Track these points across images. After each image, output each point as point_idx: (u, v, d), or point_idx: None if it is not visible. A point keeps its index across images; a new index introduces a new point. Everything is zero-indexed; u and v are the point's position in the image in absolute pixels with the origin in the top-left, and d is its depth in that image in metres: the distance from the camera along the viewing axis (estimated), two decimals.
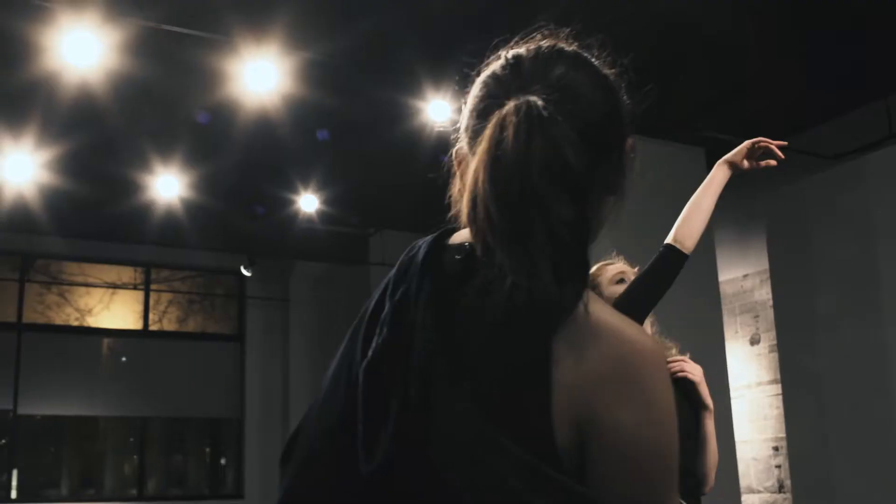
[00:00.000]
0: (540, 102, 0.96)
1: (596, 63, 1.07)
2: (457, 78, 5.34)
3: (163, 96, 5.75)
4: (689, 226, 2.51)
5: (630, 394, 0.94)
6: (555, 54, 1.05)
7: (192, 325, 9.64)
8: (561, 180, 0.94)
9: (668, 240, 2.51)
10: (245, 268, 8.46)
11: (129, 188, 6.76)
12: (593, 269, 2.87)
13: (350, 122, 6.23)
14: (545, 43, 1.07)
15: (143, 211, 7.09)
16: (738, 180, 2.66)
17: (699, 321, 5.82)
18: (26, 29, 4.85)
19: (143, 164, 6.47)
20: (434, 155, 6.21)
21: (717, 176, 2.56)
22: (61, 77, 5.27)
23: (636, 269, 2.80)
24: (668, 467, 0.96)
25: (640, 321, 2.52)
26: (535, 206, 0.93)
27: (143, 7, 4.88)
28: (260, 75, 5.21)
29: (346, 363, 1.08)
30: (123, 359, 9.41)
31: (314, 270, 9.60)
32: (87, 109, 5.62)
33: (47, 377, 8.65)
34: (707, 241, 5.30)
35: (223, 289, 9.82)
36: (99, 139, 6.11)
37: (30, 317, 8.81)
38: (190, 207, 7.14)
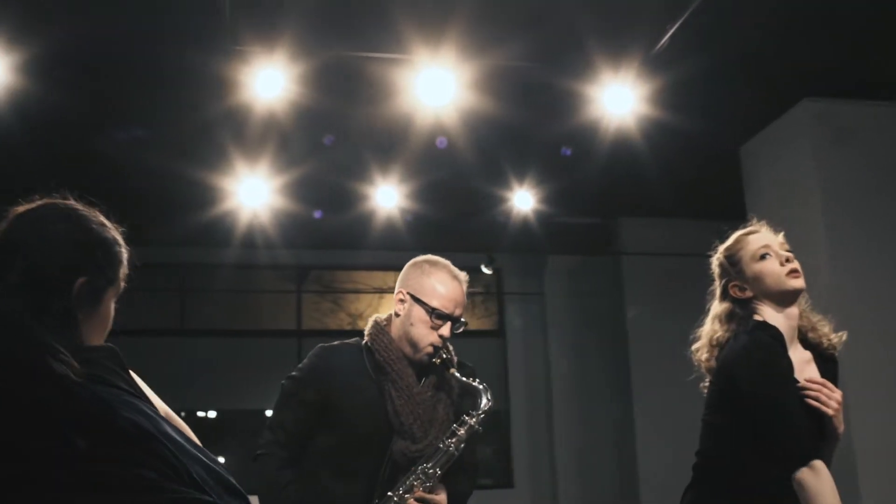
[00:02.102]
0: None
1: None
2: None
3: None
4: None
5: None
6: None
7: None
8: None
9: None
10: (485, 266, 8.70)
11: (360, 200, 7.25)
12: (730, 241, 2.71)
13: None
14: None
15: (376, 219, 7.57)
16: None
17: None
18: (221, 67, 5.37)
19: (365, 177, 6.92)
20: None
21: None
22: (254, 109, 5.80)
23: (781, 239, 2.66)
24: None
25: None
26: None
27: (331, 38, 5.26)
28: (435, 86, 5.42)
29: None
30: None
31: (566, 263, 9.65)
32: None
33: None
34: None
35: (482, 286, 10.14)
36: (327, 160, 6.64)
37: (308, 324, 9.66)
38: (434, 212, 7.52)
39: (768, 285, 2.58)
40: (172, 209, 7.15)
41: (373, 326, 2.72)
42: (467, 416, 2.61)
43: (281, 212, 7.20)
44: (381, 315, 2.79)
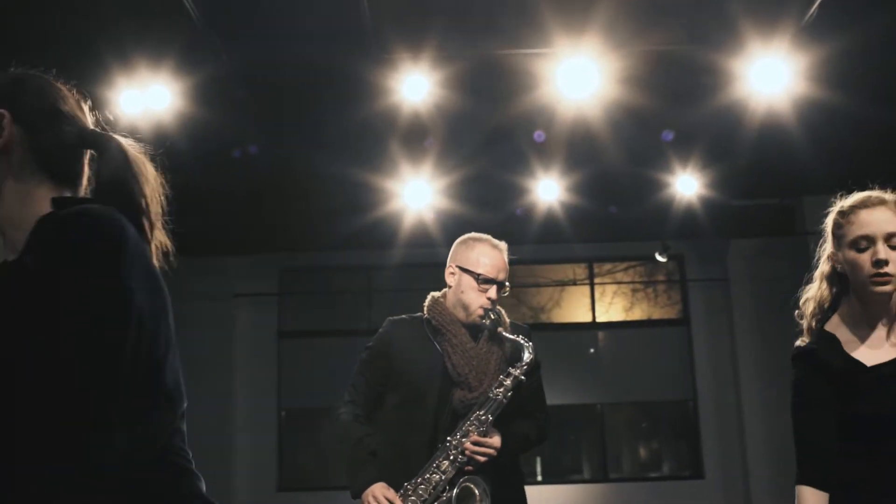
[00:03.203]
0: None
1: None
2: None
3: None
4: None
5: None
6: None
7: (637, 314, 9.99)
8: None
9: None
10: (659, 254, 8.60)
11: (521, 194, 7.38)
12: (849, 203, 2.46)
13: None
14: None
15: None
16: None
17: None
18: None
19: (525, 172, 7.05)
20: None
21: None
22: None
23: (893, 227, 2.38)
24: None
25: None
26: None
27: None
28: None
29: None
30: (592, 350, 10.09)
31: (749, 247, 9.37)
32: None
33: None
34: None
35: (664, 275, 10.02)
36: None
37: None
38: (596, 203, 7.58)
39: (853, 280, 2.44)
40: (350, 212, 7.55)
41: (430, 300, 3.13)
42: (512, 368, 2.96)
43: (446, 211, 7.45)
44: (437, 293, 3.16)
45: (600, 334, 9.97)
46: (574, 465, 10.04)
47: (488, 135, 6.48)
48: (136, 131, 5.37)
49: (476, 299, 3.01)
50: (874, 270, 2.36)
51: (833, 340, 2.46)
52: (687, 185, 7.33)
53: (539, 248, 9.22)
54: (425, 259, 9.19)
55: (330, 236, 8.24)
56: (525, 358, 2.98)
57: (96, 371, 1.29)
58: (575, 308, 10.03)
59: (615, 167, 7.02)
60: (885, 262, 2.36)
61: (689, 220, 7.99)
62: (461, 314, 3.04)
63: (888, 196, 2.45)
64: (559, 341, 9.85)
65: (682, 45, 5.55)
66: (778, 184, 8.08)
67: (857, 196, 2.50)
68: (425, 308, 3.13)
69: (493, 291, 3.03)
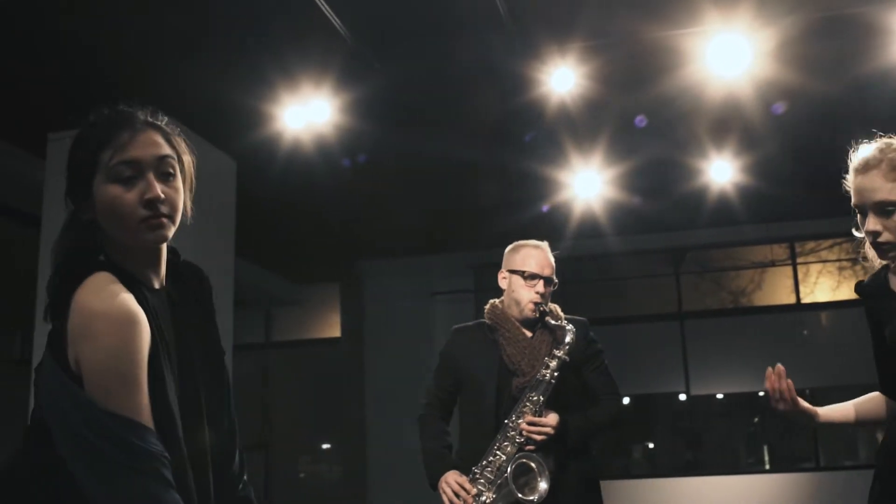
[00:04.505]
0: None
1: None
2: None
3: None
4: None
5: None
6: None
7: (846, 293, 9.51)
8: None
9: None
10: (855, 230, 8.13)
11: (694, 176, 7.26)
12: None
13: None
14: None
15: None
16: None
17: None
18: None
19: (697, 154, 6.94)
20: None
21: None
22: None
23: None
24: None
25: None
26: None
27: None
28: None
29: None
30: (806, 332, 9.72)
31: None
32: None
33: (712, 359, 9.46)
34: None
35: None
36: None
37: (688, 305, 9.73)
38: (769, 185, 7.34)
39: None
40: (525, 204, 7.73)
41: (489, 305, 3.50)
42: (556, 350, 3.24)
43: (627, 200, 7.47)
44: (495, 299, 3.53)
45: (805, 316, 9.57)
46: (803, 453, 9.67)
47: (652, 120, 6.45)
48: (300, 144, 5.84)
49: (526, 295, 3.34)
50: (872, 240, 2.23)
51: None
52: None
53: (727, 231, 9.02)
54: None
55: (528, 229, 8.46)
56: (567, 339, 3.23)
57: None
58: (777, 290, 9.69)
59: (802, 143, 6.78)
60: (877, 233, 2.21)
61: None
62: (515, 311, 3.38)
63: (881, 153, 2.21)
64: (762, 325, 9.56)
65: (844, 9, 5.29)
66: None
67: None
68: (485, 313, 3.48)
69: (540, 286, 3.34)
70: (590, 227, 8.10)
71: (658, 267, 9.92)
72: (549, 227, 7.86)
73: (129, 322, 1.51)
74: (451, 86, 5.93)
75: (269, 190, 7.17)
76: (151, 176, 1.64)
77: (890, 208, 2.15)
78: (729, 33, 5.33)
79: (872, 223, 2.19)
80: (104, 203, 1.63)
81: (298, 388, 11.45)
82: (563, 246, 8.24)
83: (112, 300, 1.52)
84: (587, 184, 7.13)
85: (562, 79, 5.59)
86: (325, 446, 11.97)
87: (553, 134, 6.55)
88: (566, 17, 5.39)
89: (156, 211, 1.63)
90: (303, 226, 8.69)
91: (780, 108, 6.36)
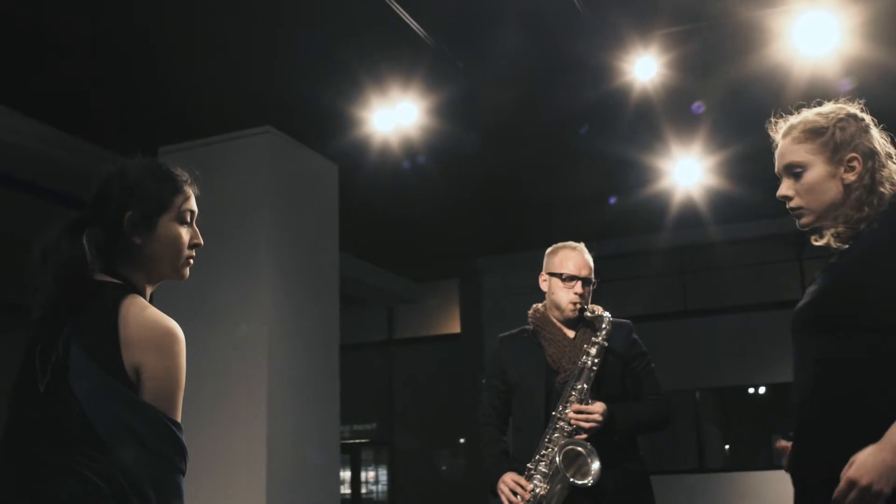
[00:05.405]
0: None
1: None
2: None
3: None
4: None
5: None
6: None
7: None
8: None
9: None
10: None
11: None
12: None
13: None
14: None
15: None
16: None
17: None
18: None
19: None
20: None
21: None
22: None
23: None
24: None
25: None
26: None
27: None
28: None
29: None
30: None
31: None
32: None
33: None
34: None
35: None
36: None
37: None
38: None
39: None
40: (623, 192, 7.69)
41: (531, 310, 3.57)
42: (594, 336, 3.33)
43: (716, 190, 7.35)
44: (538, 304, 3.60)
45: None
46: None
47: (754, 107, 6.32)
48: (388, 146, 6.04)
49: (565, 297, 3.41)
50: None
51: None
52: None
53: None
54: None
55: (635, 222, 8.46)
56: (603, 325, 3.33)
57: None
58: None
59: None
60: (788, 198, 2.17)
61: None
62: (556, 313, 3.46)
63: (799, 120, 2.18)
64: None
65: None
66: None
67: None
68: (528, 317, 3.58)
69: (578, 287, 3.40)
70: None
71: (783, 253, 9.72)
72: (650, 215, 7.83)
73: (184, 343, 1.85)
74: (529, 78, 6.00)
75: (375, 192, 7.41)
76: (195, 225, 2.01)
77: (798, 170, 2.14)
78: (816, 11, 5.21)
79: (783, 188, 2.18)
80: (168, 237, 1.94)
81: (420, 383, 11.71)
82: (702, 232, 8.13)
83: (173, 322, 1.83)
84: (687, 171, 7.07)
85: (644, 67, 5.58)
86: (460, 440, 12.04)
87: (646, 120, 6.53)
88: (649, 2, 5.39)
89: (193, 253, 2.01)
90: (417, 225, 8.91)
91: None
